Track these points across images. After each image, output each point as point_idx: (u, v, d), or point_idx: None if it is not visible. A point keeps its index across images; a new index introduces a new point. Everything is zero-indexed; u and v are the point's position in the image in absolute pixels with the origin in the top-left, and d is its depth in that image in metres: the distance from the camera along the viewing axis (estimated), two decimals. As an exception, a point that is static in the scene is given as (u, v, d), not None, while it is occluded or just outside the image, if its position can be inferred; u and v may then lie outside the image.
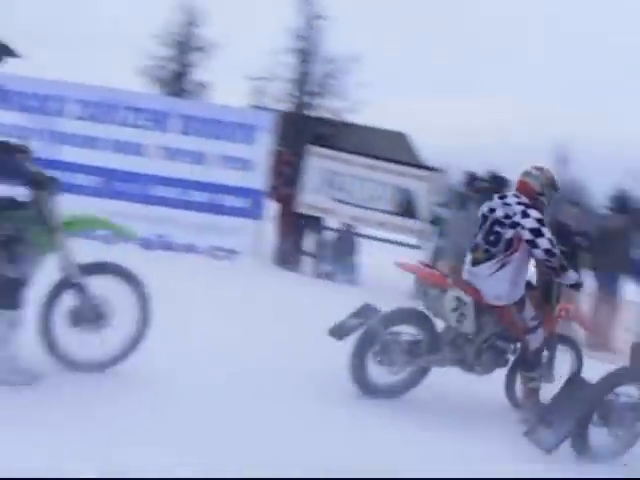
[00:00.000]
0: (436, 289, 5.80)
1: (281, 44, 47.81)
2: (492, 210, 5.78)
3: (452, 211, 10.95)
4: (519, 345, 5.94)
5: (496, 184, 11.46)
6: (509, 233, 5.61)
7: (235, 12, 59.09)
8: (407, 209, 11.43)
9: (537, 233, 5.54)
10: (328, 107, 50.90)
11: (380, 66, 70.01)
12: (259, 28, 57.83)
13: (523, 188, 5.81)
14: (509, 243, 5.61)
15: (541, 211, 5.73)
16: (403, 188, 11.43)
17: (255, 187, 11.33)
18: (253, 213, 11.32)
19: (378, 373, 5.70)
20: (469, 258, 5.85)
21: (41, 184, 4.83)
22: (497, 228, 5.67)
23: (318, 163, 11.66)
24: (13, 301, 4.76)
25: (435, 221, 11.47)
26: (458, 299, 5.68)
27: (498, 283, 5.65)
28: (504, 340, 5.88)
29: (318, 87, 50.24)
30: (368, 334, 5.66)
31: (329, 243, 11.91)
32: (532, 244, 5.56)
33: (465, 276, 5.84)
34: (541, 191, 5.82)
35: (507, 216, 5.64)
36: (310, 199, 11.62)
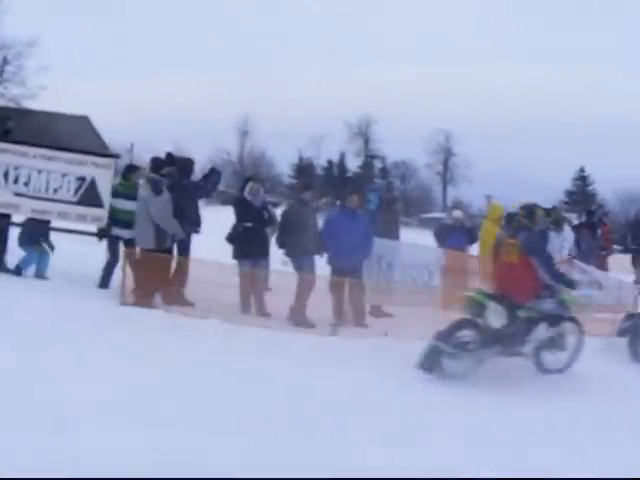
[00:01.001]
0: None
1: (-50, 33, 44.78)
2: None
3: (150, 197, 11.09)
4: None
5: (179, 166, 11.98)
6: None
7: None
8: (89, 198, 11.48)
9: None
10: (5, 95, 48.59)
11: (58, 49, 67.91)
12: None
13: None
14: None
15: None
16: (84, 177, 11.48)
17: None
18: None
19: None
20: None
21: (569, 284, 8.93)
22: None
23: (-5, 158, 11.34)
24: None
25: (112, 211, 11.54)
26: None
27: None
28: None
29: (-7, 75, 47.73)
30: (638, 327, 10.02)
31: (20, 237, 11.64)
32: None
33: None
34: None
35: None
36: (-10, 196, 11.29)
